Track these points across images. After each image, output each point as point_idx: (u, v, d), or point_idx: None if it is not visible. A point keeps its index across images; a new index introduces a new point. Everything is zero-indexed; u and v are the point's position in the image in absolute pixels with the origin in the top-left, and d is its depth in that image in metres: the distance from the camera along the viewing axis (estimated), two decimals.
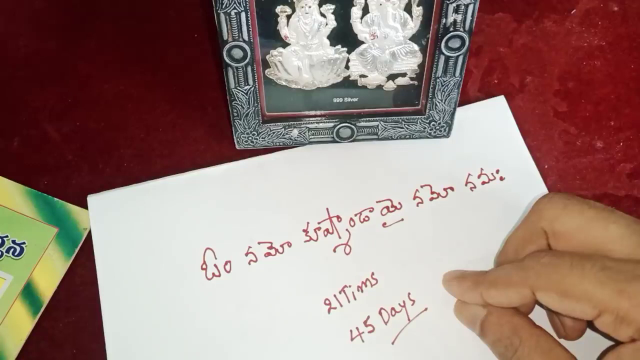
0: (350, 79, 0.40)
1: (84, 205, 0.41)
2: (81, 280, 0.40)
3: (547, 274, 0.32)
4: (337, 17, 0.37)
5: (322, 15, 0.37)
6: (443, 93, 0.40)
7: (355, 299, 0.39)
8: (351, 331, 0.38)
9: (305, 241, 0.40)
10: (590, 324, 0.34)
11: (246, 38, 0.36)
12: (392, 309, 0.38)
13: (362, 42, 0.38)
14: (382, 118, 0.41)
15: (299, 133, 0.42)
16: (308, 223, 0.41)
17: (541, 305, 0.35)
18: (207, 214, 0.41)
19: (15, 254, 0.40)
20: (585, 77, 0.46)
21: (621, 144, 0.44)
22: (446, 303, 0.38)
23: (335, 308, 0.38)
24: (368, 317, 0.38)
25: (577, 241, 0.33)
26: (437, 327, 0.38)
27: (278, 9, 0.36)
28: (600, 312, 0.30)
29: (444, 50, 0.38)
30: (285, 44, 0.38)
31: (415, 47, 0.38)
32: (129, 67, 0.47)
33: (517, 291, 0.33)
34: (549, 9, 0.49)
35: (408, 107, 0.41)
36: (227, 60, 0.37)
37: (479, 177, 0.42)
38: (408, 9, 0.37)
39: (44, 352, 0.38)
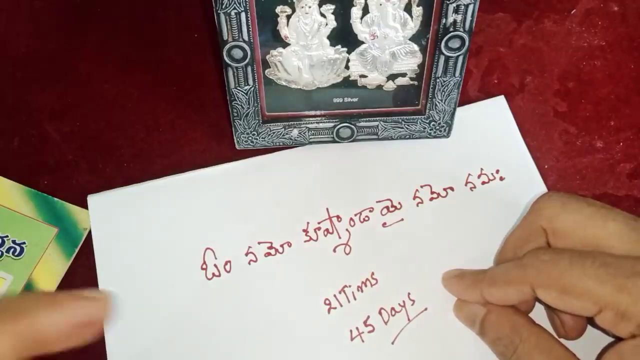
0: (350, 79, 0.40)
1: (84, 205, 0.41)
2: (81, 280, 0.40)
3: (547, 270, 0.32)
4: (337, 17, 0.37)
5: (322, 15, 0.37)
6: (443, 93, 0.40)
7: (355, 299, 0.39)
8: (351, 331, 0.38)
9: (305, 241, 0.40)
10: (590, 321, 0.34)
11: (246, 38, 0.36)
12: (392, 309, 0.38)
13: (362, 42, 0.38)
14: (382, 118, 0.41)
15: (299, 133, 0.42)
16: (308, 223, 0.41)
17: (541, 302, 0.35)
18: (207, 214, 0.41)
19: (16, 254, 0.40)
20: (585, 77, 0.46)
21: (621, 144, 0.44)
22: (446, 303, 0.38)
23: (335, 308, 0.38)
24: (368, 317, 0.38)
25: (576, 239, 0.33)
26: (437, 327, 0.38)
27: (278, 9, 0.36)
28: (601, 309, 0.30)
29: (444, 51, 0.38)
30: (285, 44, 0.38)
31: (415, 47, 0.38)
32: (129, 67, 0.47)
33: (517, 288, 0.33)
34: (549, 9, 0.49)
35: (408, 107, 0.41)
36: (227, 60, 0.37)
37: (479, 177, 0.42)
38: (408, 9, 0.37)
39: None
